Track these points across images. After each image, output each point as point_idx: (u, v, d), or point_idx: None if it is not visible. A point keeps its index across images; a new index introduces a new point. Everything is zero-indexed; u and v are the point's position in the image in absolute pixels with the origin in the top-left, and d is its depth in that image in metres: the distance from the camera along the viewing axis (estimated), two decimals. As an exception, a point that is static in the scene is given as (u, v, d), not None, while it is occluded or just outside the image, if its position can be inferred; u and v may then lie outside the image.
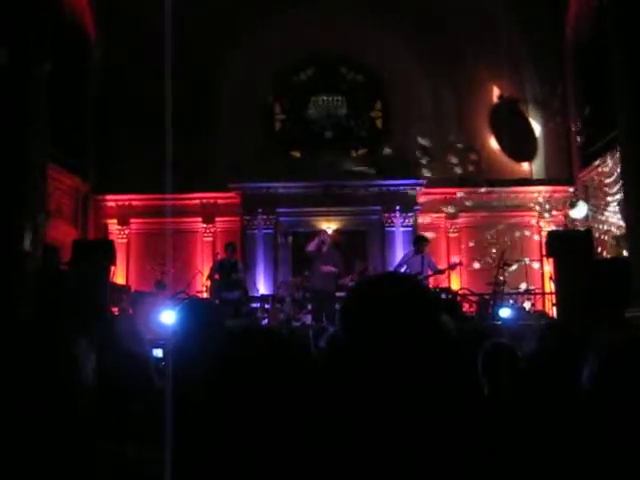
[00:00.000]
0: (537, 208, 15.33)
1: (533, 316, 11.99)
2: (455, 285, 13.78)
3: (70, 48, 13.71)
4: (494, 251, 14.00)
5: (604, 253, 12.99)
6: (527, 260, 14.18)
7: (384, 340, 1.34)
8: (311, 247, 11.32)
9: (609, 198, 13.16)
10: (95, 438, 1.45)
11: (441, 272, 11.76)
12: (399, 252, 14.08)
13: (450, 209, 15.38)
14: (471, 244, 15.20)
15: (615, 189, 12.71)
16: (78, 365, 1.46)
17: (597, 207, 13.85)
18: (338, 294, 10.96)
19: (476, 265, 14.56)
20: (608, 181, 13.15)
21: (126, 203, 15.49)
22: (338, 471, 1.32)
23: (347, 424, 1.36)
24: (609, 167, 13.06)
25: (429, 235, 13.15)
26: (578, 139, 14.76)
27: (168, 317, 7.90)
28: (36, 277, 8.62)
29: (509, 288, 12.84)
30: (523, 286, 14.02)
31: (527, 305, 13.37)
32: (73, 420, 1.43)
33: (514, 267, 13.52)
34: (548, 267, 12.79)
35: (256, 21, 14.96)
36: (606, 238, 13.22)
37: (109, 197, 15.46)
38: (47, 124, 9.73)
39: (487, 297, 12.07)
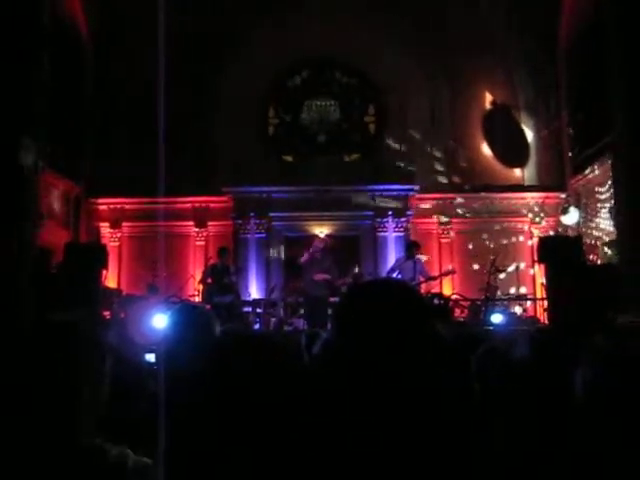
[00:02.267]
0: (529, 214, 15.38)
1: (525, 321, 12.03)
2: (447, 290, 13.80)
3: (64, 50, 13.67)
4: (486, 257, 14.01)
5: (595, 259, 13.03)
6: (519, 265, 14.25)
7: (376, 345, 1.35)
8: (303, 259, 11.29)
9: (600, 204, 13.22)
10: (95, 440, 1.45)
11: (433, 279, 11.77)
12: (391, 257, 14.09)
13: (443, 215, 15.41)
14: (463, 250, 15.23)
15: (607, 196, 12.76)
16: (83, 368, 1.46)
17: (588, 213, 13.91)
18: (332, 299, 10.96)
19: (468, 271, 14.57)
20: (600, 188, 13.20)
21: (118, 206, 15.46)
22: (330, 475, 1.32)
23: (339, 429, 1.36)
24: (601, 174, 13.12)
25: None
26: (570, 146, 14.82)
27: (160, 321, 7.88)
28: (28, 280, 8.59)
29: (501, 294, 12.88)
30: (521, 290, 14.08)
31: (518, 310, 13.42)
32: (73, 423, 1.43)
33: (506, 272, 13.59)
34: (540, 272, 12.84)
35: (251, 25, 14.97)
36: (597, 244, 13.27)
37: (101, 200, 15.42)
38: (40, 126, 9.71)
39: (479, 302, 12.10)
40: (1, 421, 1.40)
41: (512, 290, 14.16)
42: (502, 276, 13.31)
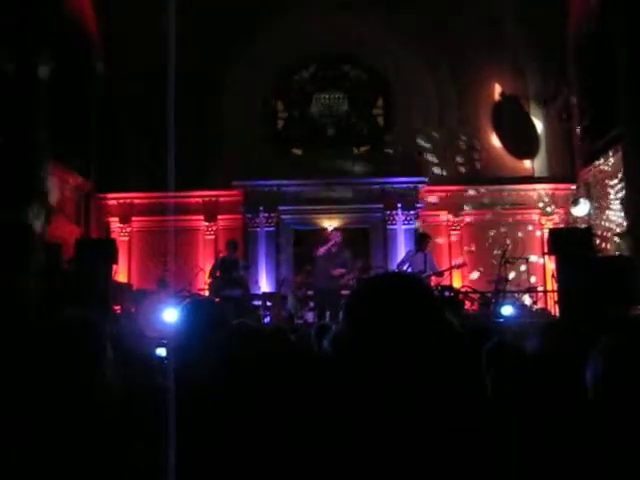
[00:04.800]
0: (539, 206, 15.31)
1: (535, 314, 12.00)
2: (457, 283, 13.77)
3: (73, 48, 13.71)
4: (496, 250, 13.97)
5: (606, 250, 12.97)
6: (529, 258, 14.19)
7: (387, 338, 1.34)
8: (322, 252, 11.29)
9: (611, 195, 13.15)
10: (109, 437, 1.46)
11: (441, 274, 11.69)
12: (401, 250, 14.07)
13: (452, 207, 15.37)
14: (473, 242, 15.19)
15: (618, 187, 12.69)
16: (96, 364, 1.47)
17: (599, 204, 13.84)
18: (343, 292, 10.96)
19: (478, 263, 14.54)
20: (610, 179, 13.13)
21: (128, 201, 15.51)
22: (341, 469, 1.32)
23: (350, 421, 1.36)
24: (611, 164, 13.04)
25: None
26: (580, 136, 14.74)
27: (170, 315, 7.91)
28: (40, 276, 8.64)
29: (511, 286, 12.84)
30: (532, 281, 14.04)
31: (528, 301, 13.39)
32: (88, 420, 1.44)
33: (518, 268, 13.58)
34: (551, 264, 12.80)
35: (258, 19, 14.95)
36: (608, 235, 13.21)
37: (111, 195, 15.48)
38: (50, 123, 9.75)
39: (489, 295, 12.08)
40: (8, 413, 1.41)
41: (524, 282, 14.13)
42: (514, 271, 13.33)
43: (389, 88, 16.12)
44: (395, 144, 15.69)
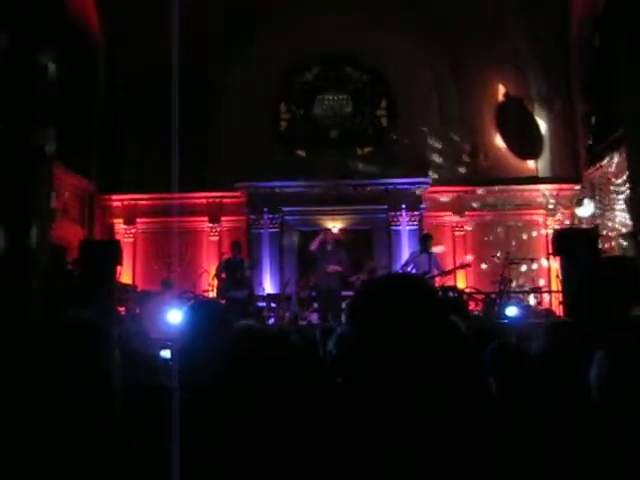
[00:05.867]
0: (543, 206, 15.29)
1: (540, 314, 11.98)
2: (461, 284, 13.76)
3: (76, 49, 13.74)
4: (500, 252, 13.95)
5: (611, 251, 12.94)
6: (534, 259, 14.17)
7: (392, 338, 1.34)
8: (313, 246, 11.36)
9: (616, 196, 13.11)
10: (115, 439, 1.46)
11: (447, 273, 11.71)
12: (405, 251, 14.07)
13: (456, 208, 15.36)
14: (477, 243, 15.17)
15: (622, 187, 12.66)
16: (101, 366, 1.47)
17: (604, 205, 13.80)
18: (344, 293, 10.97)
19: (483, 264, 14.52)
20: (615, 179, 13.09)
21: (132, 203, 15.53)
22: (345, 470, 1.32)
23: (355, 422, 1.36)
24: (615, 164, 13.01)
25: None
26: (584, 137, 14.70)
27: (175, 317, 7.93)
28: (44, 277, 8.65)
29: (516, 286, 12.83)
30: (537, 282, 14.02)
31: (532, 302, 13.37)
32: (93, 421, 1.44)
33: (523, 268, 13.58)
34: (555, 265, 12.78)
35: (261, 21, 14.95)
36: (613, 236, 13.18)
37: (115, 197, 15.50)
38: (54, 123, 9.76)
39: (493, 296, 12.06)
40: (11, 416, 1.42)
41: (528, 280, 14.11)
42: (519, 269, 13.32)
43: (392, 89, 16.11)
44: (399, 145, 15.67)
